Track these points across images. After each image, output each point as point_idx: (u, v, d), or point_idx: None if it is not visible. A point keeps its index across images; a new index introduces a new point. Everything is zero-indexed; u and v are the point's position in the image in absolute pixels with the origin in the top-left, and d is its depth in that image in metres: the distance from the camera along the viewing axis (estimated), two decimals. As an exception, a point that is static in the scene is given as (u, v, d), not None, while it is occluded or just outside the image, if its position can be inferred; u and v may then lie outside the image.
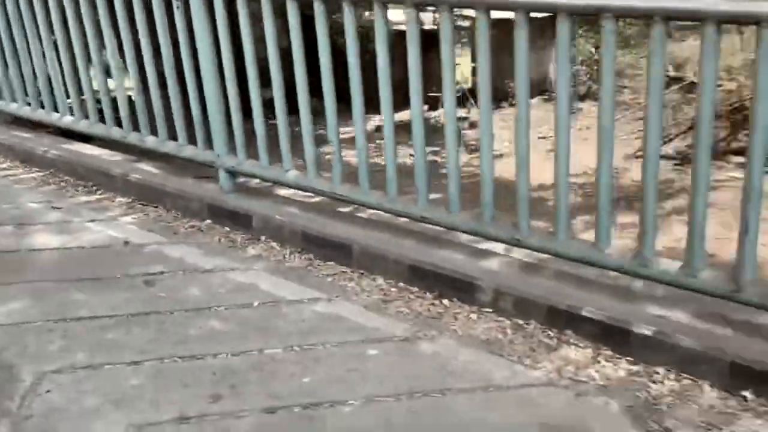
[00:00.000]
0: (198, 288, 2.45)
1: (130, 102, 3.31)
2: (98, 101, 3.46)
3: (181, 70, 3.00)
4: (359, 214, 2.76)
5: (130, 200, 3.24)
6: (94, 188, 3.37)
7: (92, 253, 2.74)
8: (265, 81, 2.73)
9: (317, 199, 2.88)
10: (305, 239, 2.74)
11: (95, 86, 3.41)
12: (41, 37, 3.51)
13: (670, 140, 5.18)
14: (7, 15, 3.61)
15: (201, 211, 3.04)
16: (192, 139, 3.14)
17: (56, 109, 3.68)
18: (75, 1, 3.23)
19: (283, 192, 3.01)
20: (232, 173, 3.06)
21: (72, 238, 2.84)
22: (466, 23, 6.01)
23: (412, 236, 2.56)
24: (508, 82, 4.30)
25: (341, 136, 2.62)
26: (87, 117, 3.54)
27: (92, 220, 3.03)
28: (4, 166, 3.69)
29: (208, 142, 3.06)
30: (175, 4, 2.87)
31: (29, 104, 3.79)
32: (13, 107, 3.90)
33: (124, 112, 3.35)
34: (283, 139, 2.80)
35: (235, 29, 2.75)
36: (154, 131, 3.26)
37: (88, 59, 3.36)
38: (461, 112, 5.96)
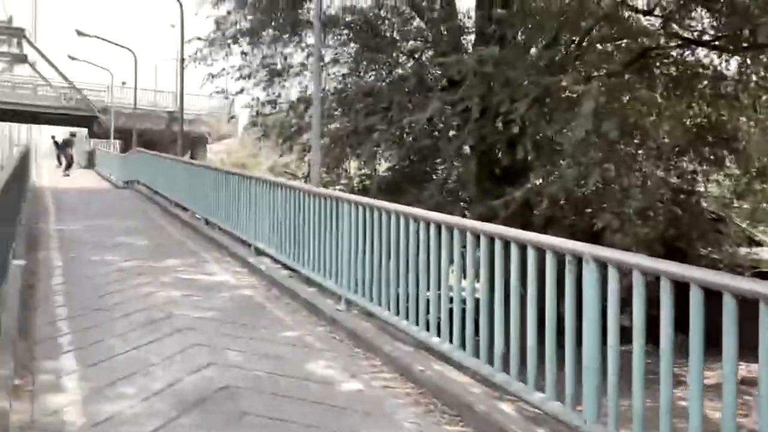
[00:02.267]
0: None
1: (506, 342, 3.53)
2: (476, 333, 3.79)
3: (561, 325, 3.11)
4: None
5: (488, 441, 3.30)
6: (459, 419, 3.55)
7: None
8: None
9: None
10: None
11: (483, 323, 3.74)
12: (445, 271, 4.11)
13: None
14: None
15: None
16: (560, 395, 3.13)
17: (435, 332, 4.15)
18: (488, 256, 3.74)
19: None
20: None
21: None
22: None
23: None
24: None
25: None
26: (464, 347, 3.89)
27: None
28: (386, 375, 4.20)
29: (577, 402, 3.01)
30: (567, 268, 3.06)
31: (417, 325, 4.36)
32: (403, 324, 4.53)
33: (498, 350, 3.58)
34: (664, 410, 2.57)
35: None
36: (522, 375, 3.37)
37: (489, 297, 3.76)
38: None
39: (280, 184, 7.12)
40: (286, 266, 6.89)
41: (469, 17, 12.33)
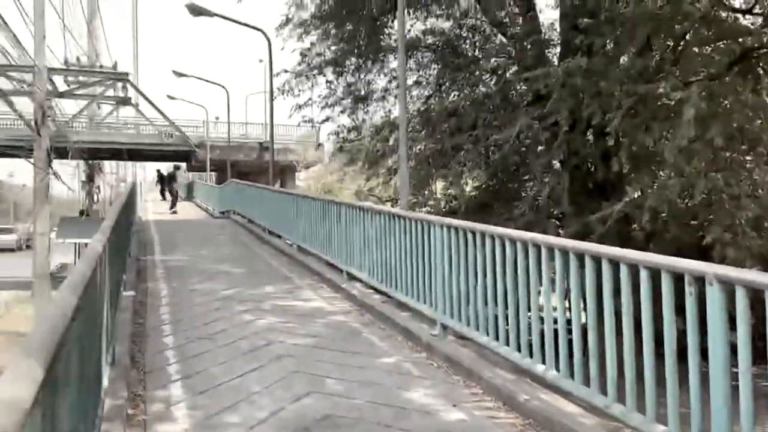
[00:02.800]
0: None
1: (620, 370, 3.30)
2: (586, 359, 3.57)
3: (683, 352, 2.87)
4: None
5: (604, 477, 3.08)
6: (570, 452, 3.35)
7: None
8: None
9: None
10: None
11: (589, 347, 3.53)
12: (547, 295, 3.92)
13: None
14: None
15: None
16: (685, 428, 2.88)
17: (540, 358, 3.96)
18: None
19: None
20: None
21: None
22: None
23: None
24: None
25: None
26: (572, 375, 3.68)
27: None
28: (489, 405, 4.05)
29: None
30: (687, 290, 2.83)
31: (519, 352, 4.19)
32: (504, 350, 4.37)
33: (611, 379, 3.35)
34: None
35: None
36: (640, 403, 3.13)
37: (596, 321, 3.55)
38: None
39: (369, 209, 7.16)
40: (378, 291, 6.89)
41: (553, 29, 12.06)
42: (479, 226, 4.71)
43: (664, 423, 3.02)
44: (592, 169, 11.26)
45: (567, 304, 3.89)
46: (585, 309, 3.63)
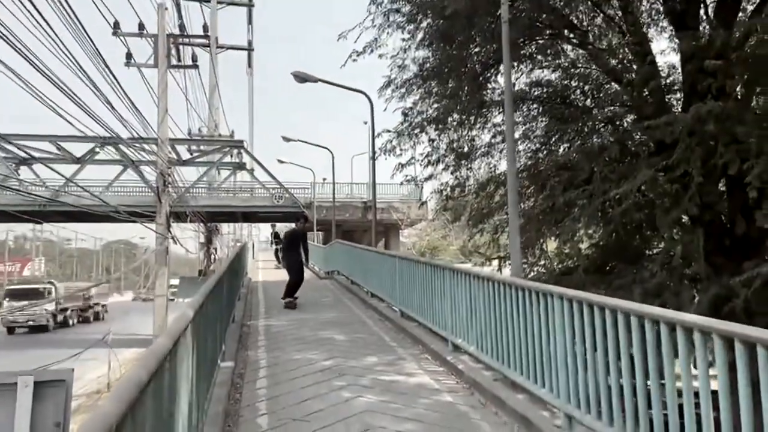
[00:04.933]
0: None
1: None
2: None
3: None
4: None
5: None
6: None
7: None
8: None
9: None
10: None
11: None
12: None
13: None
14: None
15: None
16: None
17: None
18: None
19: None
20: None
21: None
22: None
23: None
24: None
25: None
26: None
27: None
28: None
29: None
30: None
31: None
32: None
33: None
34: None
35: None
36: None
37: None
38: None
39: (476, 275, 6.55)
40: (488, 366, 6.20)
41: (675, 72, 11.12)
42: (609, 301, 3.99)
43: None
44: (729, 224, 10.00)
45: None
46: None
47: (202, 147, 33.22)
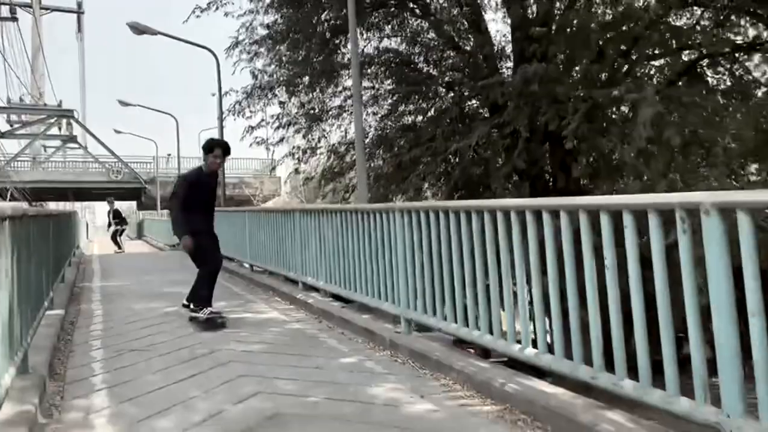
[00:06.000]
0: None
1: (607, 340, 2.91)
2: (568, 335, 3.18)
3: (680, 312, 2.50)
4: None
5: (598, 456, 2.65)
6: (555, 434, 2.92)
7: None
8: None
9: None
10: None
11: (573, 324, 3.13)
12: (507, 268, 3.54)
13: None
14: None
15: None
16: (687, 390, 2.49)
17: (518, 341, 3.55)
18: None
19: None
20: (751, 445, 2.23)
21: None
22: None
23: None
24: None
25: None
26: (551, 352, 3.28)
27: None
28: (462, 394, 3.60)
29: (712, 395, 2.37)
30: (681, 228, 2.48)
31: (491, 332, 3.78)
32: (475, 335, 3.94)
33: (597, 350, 2.96)
34: None
35: None
36: (633, 374, 2.74)
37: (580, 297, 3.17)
38: None
39: (325, 209, 6.70)
40: (338, 298, 6.40)
41: (506, 40, 12.05)
42: (440, 203, 4.33)
43: (662, 387, 2.63)
44: (552, 178, 11.13)
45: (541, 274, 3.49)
46: (564, 278, 3.25)
47: (24, 117, 29.96)
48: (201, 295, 5.97)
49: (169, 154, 34.41)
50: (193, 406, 3.49)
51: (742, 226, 2.24)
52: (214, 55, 15.69)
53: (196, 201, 5.86)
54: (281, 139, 13.56)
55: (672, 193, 2.64)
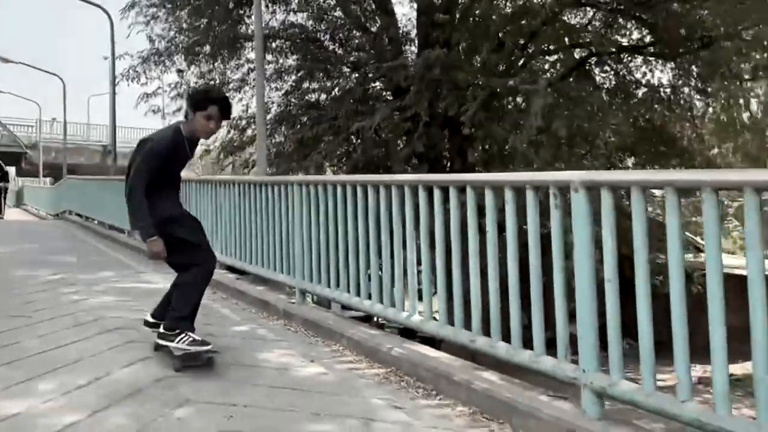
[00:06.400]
0: None
1: (485, 305, 3.16)
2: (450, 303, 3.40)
3: (549, 274, 2.77)
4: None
5: (471, 411, 2.90)
6: (434, 392, 3.14)
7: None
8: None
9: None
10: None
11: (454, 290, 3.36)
12: (399, 239, 3.72)
13: None
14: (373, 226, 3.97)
15: (558, 436, 2.53)
16: (551, 350, 2.78)
17: (403, 308, 3.75)
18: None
19: (673, 425, 2.35)
20: (600, 395, 2.54)
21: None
22: None
23: None
24: None
25: None
26: (434, 318, 3.50)
27: (434, 427, 2.73)
28: (351, 358, 3.75)
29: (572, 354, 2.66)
30: (553, 203, 2.74)
31: (381, 301, 3.96)
32: (366, 304, 4.11)
33: (476, 316, 3.20)
34: (679, 357, 2.24)
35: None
36: (506, 337, 3.00)
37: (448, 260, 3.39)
38: None
39: (220, 180, 6.61)
40: (234, 270, 6.36)
41: (412, 24, 12.26)
42: (337, 177, 4.45)
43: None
44: (450, 162, 11.54)
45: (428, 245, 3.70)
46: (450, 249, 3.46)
47: None
48: (181, 313, 3.58)
49: (54, 119, 32.07)
50: (77, 369, 3.41)
51: (605, 202, 2.51)
52: (108, 15, 14.81)
53: (166, 177, 3.65)
54: (179, 109, 13.06)
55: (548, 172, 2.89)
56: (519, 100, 11.11)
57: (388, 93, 12.13)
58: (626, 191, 2.53)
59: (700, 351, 2.55)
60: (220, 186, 6.53)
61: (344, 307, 5.03)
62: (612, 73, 12.41)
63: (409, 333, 4.62)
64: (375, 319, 6.85)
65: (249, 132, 12.51)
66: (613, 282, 2.50)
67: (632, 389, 2.41)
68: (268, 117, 12.03)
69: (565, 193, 2.70)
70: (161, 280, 6.62)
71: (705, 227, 2.16)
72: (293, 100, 12.89)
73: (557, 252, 2.72)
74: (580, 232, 2.59)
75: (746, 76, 11.10)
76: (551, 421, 2.58)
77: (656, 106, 11.94)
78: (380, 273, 4.05)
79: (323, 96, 12.40)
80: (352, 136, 11.08)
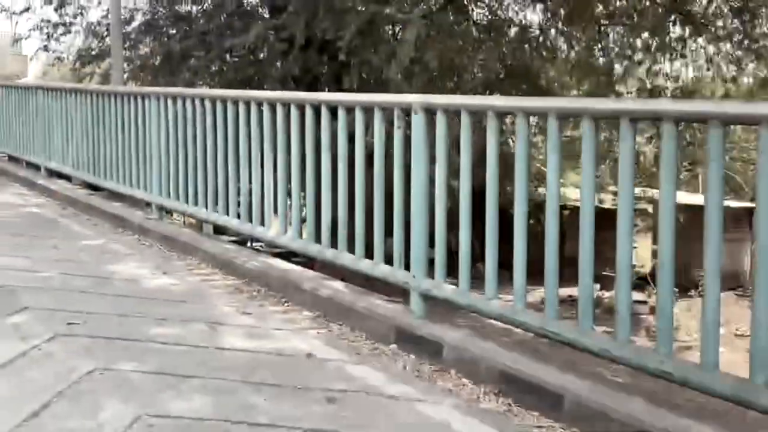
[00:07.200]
0: (383, 415, 2.14)
1: (334, 221, 3.32)
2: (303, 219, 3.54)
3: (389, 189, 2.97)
4: (576, 360, 2.34)
5: (315, 315, 3.11)
6: (284, 300, 3.31)
7: (275, 360, 2.57)
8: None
9: (522, 333, 2.52)
10: (504, 380, 2.36)
11: (303, 205, 3.49)
12: (257, 156, 3.78)
13: None
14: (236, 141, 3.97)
15: (388, 334, 2.81)
16: (388, 258, 3.02)
17: (262, 224, 3.85)
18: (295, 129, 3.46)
19: (481, 322, 2.69)
20: (426, 297, 2.83)
21: (258, 342, 2.72)
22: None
23: (641, 394, 2.08)
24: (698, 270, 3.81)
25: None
26: (286, 232, 3.63)
27: (279, 329, 2.91)
28: (204, 271, 3.81)
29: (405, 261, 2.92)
30: (396, 124, 2.91)
31: (238, 216, 4.02)
32: (223, 219, 4.15)
33: (326, 231, 3.37)
34: (489, 263, 2.55)
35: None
36: (351, 248, 3.21)
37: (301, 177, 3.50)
38: (640, 296, 5.42)
39: (73, 89, 6.18)
40: (90, 186, 6.05)
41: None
42: (198, 91, 4.35)
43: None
44: (326, 88, 11.47)
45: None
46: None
47: None
48: None
49: None
50: None
51: (439, 123, 2.72)
52: None
53: None
54: (27, 9, 11.76)
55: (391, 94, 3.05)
56: (397, 29, 11.16)
57: (264, 10, 11.67)
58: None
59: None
60: (70, 95, 6.10)
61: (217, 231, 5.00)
62: (486, 9, 12.77)
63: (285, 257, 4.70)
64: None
65: (109, 41, 11.56)
66: (440, 201, 2.74)
67: (450, 290, 2.72)
68: (133, 25, 11.19)
69: (408, 114, 2.87)
70: (4, 194, 6.21)
71: (548, 154, 2.36)
72: (161, 9, 12.03)
73: (398, 169, 2.92)
74: (417, 151, 2.79)
75: (604, 21, 11.88)
76: (383, 320, 2.85)
77: (525, 45, 12.51)
78: (238, 186, 4.08)
79: (194, 8, 11.68)
80: (226, 55, 10.64)
